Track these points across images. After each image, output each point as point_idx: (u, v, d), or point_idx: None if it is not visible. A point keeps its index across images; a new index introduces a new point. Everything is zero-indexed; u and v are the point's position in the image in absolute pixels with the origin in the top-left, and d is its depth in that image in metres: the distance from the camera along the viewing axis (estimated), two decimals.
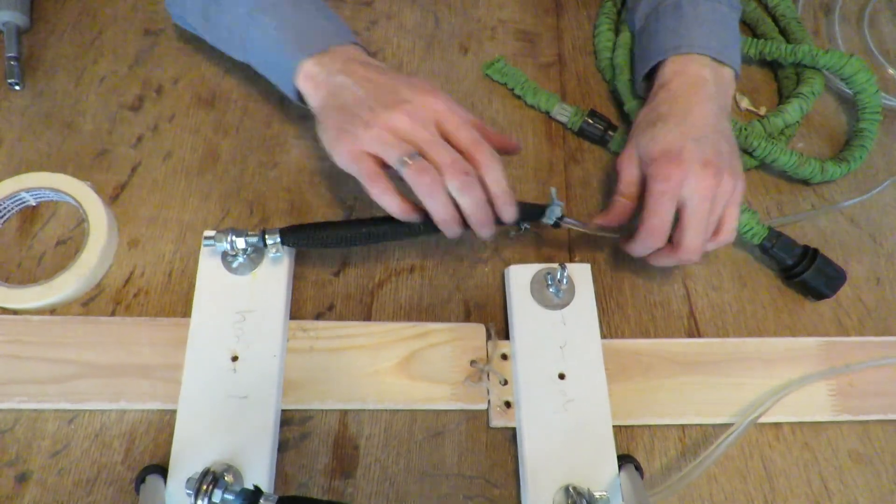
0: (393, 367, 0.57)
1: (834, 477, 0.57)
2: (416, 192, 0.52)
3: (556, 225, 0.58)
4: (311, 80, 0.56)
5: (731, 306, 0.64)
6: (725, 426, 0.56)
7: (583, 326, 0.59)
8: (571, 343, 0.58)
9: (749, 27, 0.82)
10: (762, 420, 0.57)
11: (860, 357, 0.61)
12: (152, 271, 0.61)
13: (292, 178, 0.67)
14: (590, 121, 0.71)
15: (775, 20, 0.81)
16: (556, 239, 0.65)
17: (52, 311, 0.58)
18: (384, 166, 0.53)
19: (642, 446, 0.57)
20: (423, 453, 0.55)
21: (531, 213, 0.57)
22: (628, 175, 0.60)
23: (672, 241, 0.57)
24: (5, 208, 0.61)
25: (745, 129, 0.68)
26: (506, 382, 0.57)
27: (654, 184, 0.55)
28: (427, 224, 0.54)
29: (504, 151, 0.57)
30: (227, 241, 0.55)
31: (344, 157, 0.53)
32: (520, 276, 0.61)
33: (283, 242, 0.56)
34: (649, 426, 0.58)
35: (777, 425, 0.59)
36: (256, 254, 0.58)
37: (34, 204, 0.62)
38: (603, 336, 0.60)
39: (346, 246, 0.62)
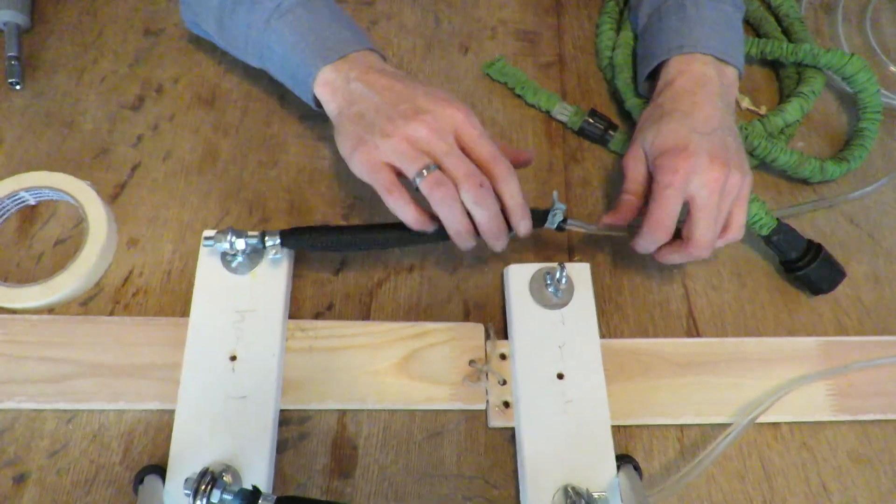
0: (392, 366, 0.57)
1: (833, 477, 0.57)
2: (431, 203, 0.52)
3: (561, 228, 0.58)
4: (328, 86, 0.56)
5: (730, 306, 0.64)
6: (724, 426, 0.56)
7: (582, 326, 0.59)
8: (570, 343, 0.58)
9: (752, 27, 0.82)
10: (761, 420, 0.57)
11: (859, 357, 0.61)
12: (151, 271, 0.61)
13: (292, 178, 0.67)
14: (590, 120, 0.71)
15: (778, 20, 0.80)
16: (555, 239, 0.65)
17: (51, 310, 0.58)
18: (400, 175, 0.53)
19: (641, 446, 0.57)
20: (422, 453, 0.55)
21: (534, 218, 0.57)
22: (634, 172, 0.59)
23: (682, 237, 0.57)
24: (4, 207, 0.61)
25: (746, 128, 0.68)
26: (504, 382, 0.57)
27: (660, 176, 0.55)
28: (437, 233, 0.54)
29: (517, 164, 0.57)
30: (226, 241, 0.55)
31: (361, 166, 0.53)
32: (519, 276, 0.61)
33: (282, 245, 0.56)
34: (648, 426, 0.58)
35: (776, 425, 0.59)
36: (255, 253, 0.58)
37: (33, 203, 0.63)
38: (602, 336, 0.60)
39: (347, 251, 0.62)
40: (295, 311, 0.60)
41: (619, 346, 0.60)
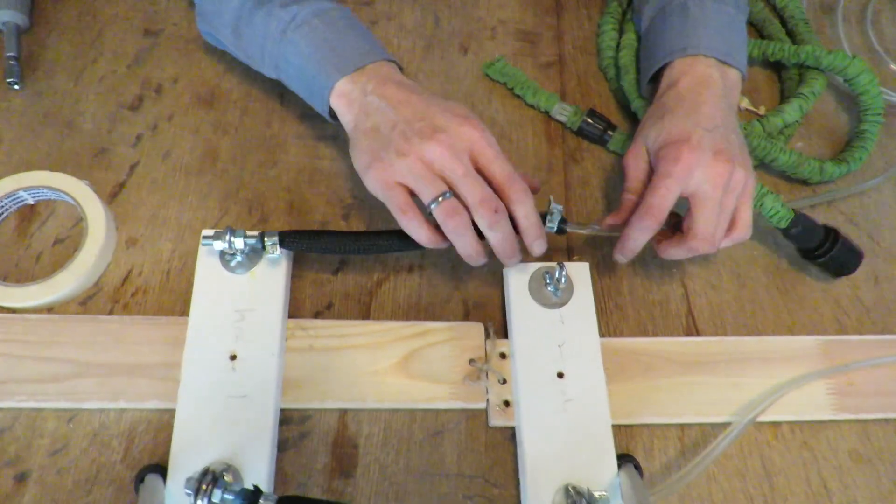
0: (392, 366, 0.57)
1: (833, 476, 0.57)
2: (444, 230, 0.52)
3: (561, 231, 0.57)
4: (344, 98, 0.56)
5: (729, 305, 0.64)
6: (724, 425, 0.56)
7: (581, 325, 0.59)
8: (570, 342, 0.58)
9: (755, 28, 0.82)
10: (761, 419, 0.57)
11: (859, 356, 0.61)
12: (151, 270, 0.61)
13: (291, 178, 0.67)
14: (589, 120, 0.71)
15: (783, 21, 0.80)
16: (554, 238, 0.65)
17: (50, 309, 0.58)
18: (414, 194, 0.53)
19: (641, 445, 0.57)
20: (423, 453, 0.55)
21: None
22: (636, 170, 0.59)
23: (682, 230, 0.56)
24: (3, 207, 0.61)
25: (745, 127, 0.68)
26: (505, 381, 0.57)
27: (661, 167, 0.55)
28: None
29: None
30: (225, 240, 0.54)
31: (376, 183, 0.53)
32: (518, 275, 0.61)
33: (281, 246, 0.56)
34: (648, 425, 0.58)
35: (776, 424, 0.59)
36: (254, 253, 0.58)
37: (32, 203, 0.62)
38: (601, 335, 0.60)
39: (346, 254, 0.62)
40: (295, 310, 0.60)
41: (618, 345, 0.60)
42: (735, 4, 0.65)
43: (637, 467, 0.54)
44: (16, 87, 0.68)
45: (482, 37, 0.78)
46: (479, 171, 0.53)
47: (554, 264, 0.59)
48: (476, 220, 0.52)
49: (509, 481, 0.55)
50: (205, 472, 0.46)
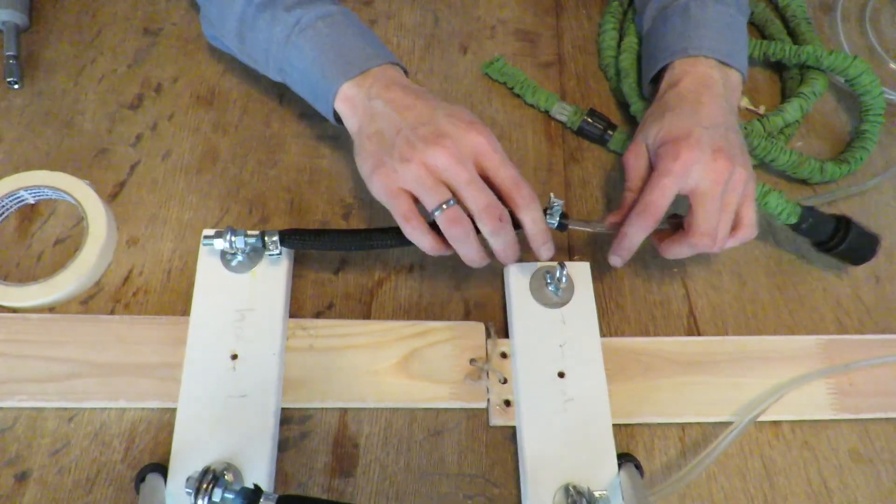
0: (392, 365, 0.57)
1: (834, 476, 0.57)
2: (446, 236, 0.53)
3: (563, 227, 0.57)
4: (348, 101, 0.56)
5: (730, 305, 0.64)
6: (725, 425, 0.56)
7: (582, 325, 0.59)
8: (571, 342, 0.58)
9: (757, 28, 0.82)
10: (762, 419, 0.57)
11: (860, 356, 0.61)
12: (151, 270, 0.61)
13: (292, 177, 0.67)
14: (589, 120, 0.71)
15: (785, 20, 0.80)
16: (555, 238, 0.65)
17: (51, 309, 0.58)
18: (417, 200, 0.53)
19: (642, 445, 0.57)
20: (423, 452, 0.55)
21: None
22: (636, 168, 0.59)
23: (683, 227, 0.56)
24: (4, 206, 0.61)
25: (745, 127, 0.68)
26: (505, 381, 0.57)
27: (660, 163, 0.55)
28: None
29: None
30: (226, 240, 0.54)
31: (380, 189, 0.53)
32: (519, 275, 0.61)
33: (282, 244, 0.56)
34: (649, 425, 0.58)
35: (777, 424, 0.59)
36: (255, 253, 0.58)
37: (33, 202, 0.62)
38: (602, 335, 0.60)
39: (347, 250, 0.62)
40: (295, 310, 0.60)
41: (619, 345, 0.60)
42: (736, 6, 0.65)
43: (637, 467, 0.54)
44: (16, 86, 0.68)
45: (482, 36, 0.78)
46: (485, 177, 0.52)
47: (555, 264, 0.59)
48: (479, 226, 0.52)
49: (509, 481, 0.55)
50: (205, 472, 0.46)
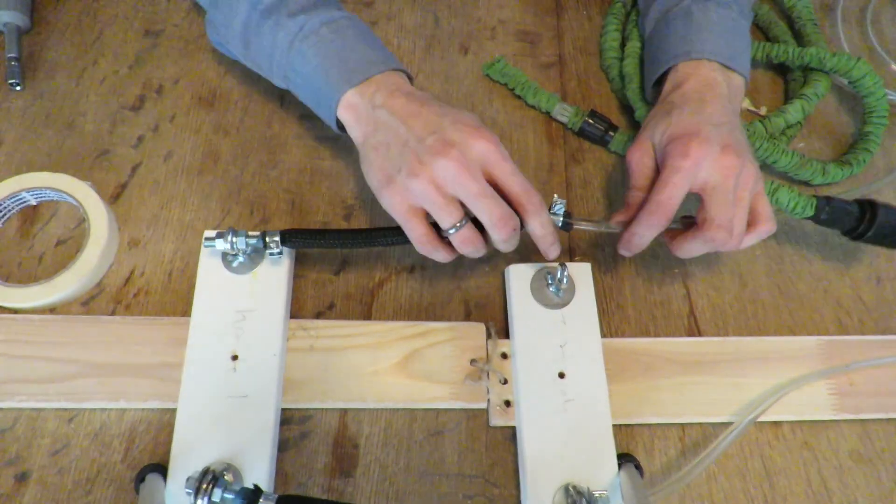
0: (393, 366, 0.57)
1: (834, 476, 0.57)
2: (458, 250, 0.54)
3: (567, 226, 0.57)
4: (352, 110, 0.55)
5: (731, 306, 0.64)
6: (725, 425, 0.56)
7: (583, 325, 0.59)
8: (571, 342, 0.58)
9: (761, 30, 0.82)
10: (762, 419, 0.57)
11: (860, 356, 0.61)
12: (152, 271, 0.61)
13: (293, 178, 0.67)
14: (590, 121, 0.71)
15: (791, 21, 0.80)
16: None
17: (53, 310, 0.58)
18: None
19: (642, 445, 0.57)
20: (423, 452, 0.55)
21: None
22: (642, 166, 0.58)
23: (696, 222, 0.55)
24: (6, 208, 0.61)
25: (747, 128, 0.68)
26: (506, 381, 0.57)
27: (670, 161, 0.54)
28: None
29: None
30: (227, 241, 0.55)
31: (391, 207, 0.53)
32: (520, 275, 0.61)
33: (283, 243, 0.56)
34: (649, 425, 0.58)
35: (777, 424, 0.59)
36: (256, 253, 0.59)
37: (35, 203, 0.63)
38: (603, 335, 0.60)
39: (349, 248, 0.62)
40: (296, 311, 0.60)
41: (620, 345, 0.60)
42: (739, 9, 0.65)
43: (637, 467, 0.54)
44: (17, 88, 0.68)
45: (482, 37, 0.78)
46: (493, 184, 0.52)
47: (556, 265, 0.59)
48: (491, 235, 0.52)
49: (509, 481, 0.55)
50: (205, 472, 0.46)
